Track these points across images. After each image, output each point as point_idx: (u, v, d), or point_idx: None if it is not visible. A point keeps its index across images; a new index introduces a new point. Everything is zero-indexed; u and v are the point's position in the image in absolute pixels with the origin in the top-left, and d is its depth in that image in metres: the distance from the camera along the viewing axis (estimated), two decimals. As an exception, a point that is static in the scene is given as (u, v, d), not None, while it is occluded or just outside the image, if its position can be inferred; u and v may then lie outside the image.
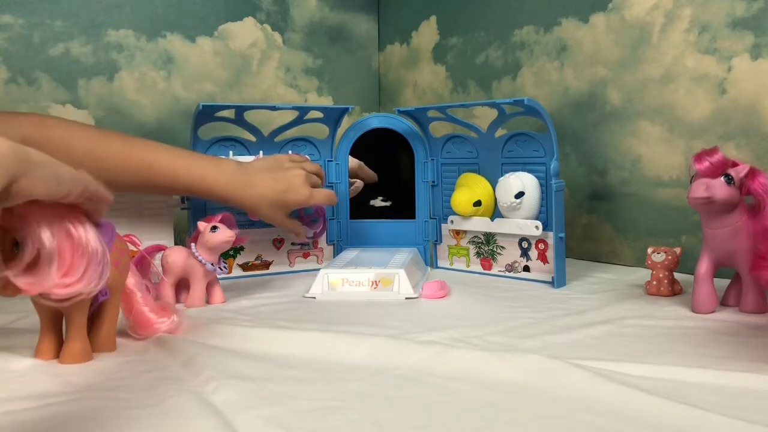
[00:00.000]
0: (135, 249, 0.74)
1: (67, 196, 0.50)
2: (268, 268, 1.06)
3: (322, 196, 0.96)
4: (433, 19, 1.41)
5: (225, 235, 0.83)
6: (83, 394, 0.53)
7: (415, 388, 0.54)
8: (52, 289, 0.50)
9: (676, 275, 0.87)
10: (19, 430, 0.47)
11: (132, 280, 0.68)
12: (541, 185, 0.96)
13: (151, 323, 0.68)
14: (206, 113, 1.00)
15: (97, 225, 0.56)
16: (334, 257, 1.09)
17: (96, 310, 0.65)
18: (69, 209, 0.52)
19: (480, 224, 1.02)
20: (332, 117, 1.09)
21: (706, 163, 0.73)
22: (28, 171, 0.44)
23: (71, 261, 0.51)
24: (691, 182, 0.74)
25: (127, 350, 0.65)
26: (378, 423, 0.47)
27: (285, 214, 0.95)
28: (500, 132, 1.02)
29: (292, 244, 1.08)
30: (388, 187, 1.15)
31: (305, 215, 1.03)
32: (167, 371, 0.58)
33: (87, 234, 0.52)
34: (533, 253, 0.97)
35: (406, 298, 0.87)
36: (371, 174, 1.15)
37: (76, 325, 0.62)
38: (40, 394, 0.53)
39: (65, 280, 0.50)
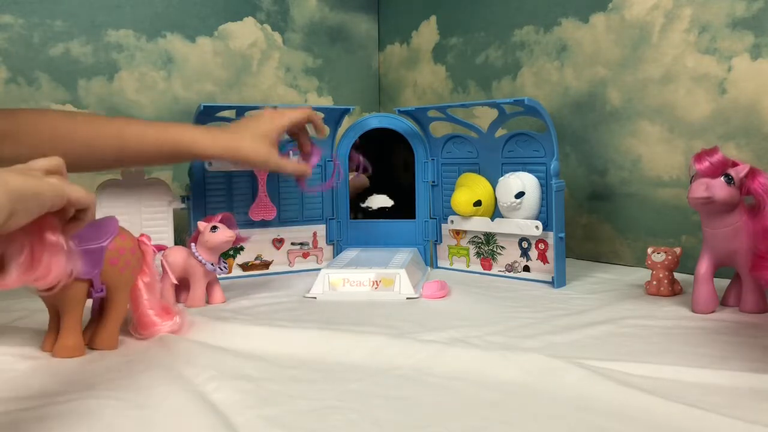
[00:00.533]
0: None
1: (50, 209, 0.51)
2: (267, 268, 1.06)
3: (296, 113, 0.92)
4: (433, 19, 1.41)
5: (225, 235, 0.83)
6: (84, 393, 0.53)
7: (415, 388, 0.54)
8: (19, 284, 0.52)
9: (676, 275, 0.87)
10: (20, 428, 0.47)
11: (146, 280, 0.69)
12: (541, 185, 0.96)
13: (153, 325, 0.68)
14: (207, 113, 1.00)
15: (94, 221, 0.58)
16: (334, 257, 1.09)
17: (101, 307, 0.66)
18: None
19: (480, 224, 1.02)
20: (333, 117, 1.09)
21: (706, 163, 0.73)
22: (18, 209, 0.47)
23: (33, 259, 0.52)
24: (691, 182, 0.74)
25: (129, 349, 0.65)
26: (378, 423, 0.47)
27: (271, 146, 0.88)
28: (500, 132, 1.02)
29: (292, 244, 1.08)
30: (388, 187, 1.15)
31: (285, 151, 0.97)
32: (168, 371, 0.58)
33: (50, 231, 0.53)
34: (533, 253, 0.97)
35: (407, 298, 0.87)
36: (362, 179, 1.15)
37: (69, 321, 0.63)
38: (42, 393, 0.53)
39: (29, 277, 0.52)
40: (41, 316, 0.76)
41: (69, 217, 0.56)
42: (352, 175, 1.13)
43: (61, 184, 0.53)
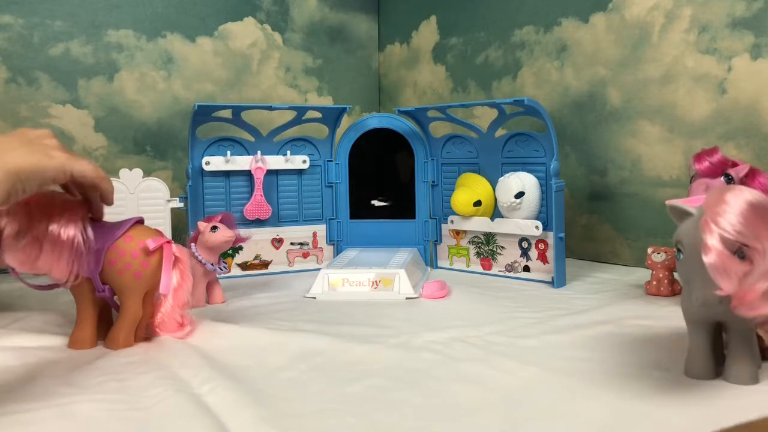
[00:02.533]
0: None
1: (53, 183, 0.57)
2: (267, 268, 1.06)
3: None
4: (433, 19, 1.41)
5: (225, 235, 0.83)
6: (78, 396, 0.52)
7: (413, 389, 0.54)
8: (20, 269, 0.60)
9: (677, 276, 0.87)
10: (19, 430, 0.47)
11: (176, 289, 0.67)
12: (541, 185, 0.96)
13: (155, 331, 0.68)
14: (202, 113, 1.00)
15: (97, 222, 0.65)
16: (334, 257, 1.09)
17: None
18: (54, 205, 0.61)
19: (480, 224, 1.02)
20: (331, 117, 1.09)
21: (706, 163, 0.73)
22: (18, 188, 0.53)
23: (33, 250, 0.59)
24: (691, 182, 0.74)
25: (124, 351, 0.65)
26: (375, 425, 0.47)
27: None
28: (500, 132, 1.02)
29: (291, 244, 1.08)
30: (388, 187, 1.15)
31: None
32: (164, 372, 0.58)
33: (64, 228, 0.60)
34: (533, 253, 0.97)
35: (407, 298, 0.87)
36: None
37: (79, 314, 0.67)
38: (36, 395, 0.53)
39: (25, 266, 0.60)
40: (39, 318, 0.77)
41: (83, 199, 0.59)
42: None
43: (64, 157, 0.56)
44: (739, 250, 0.46)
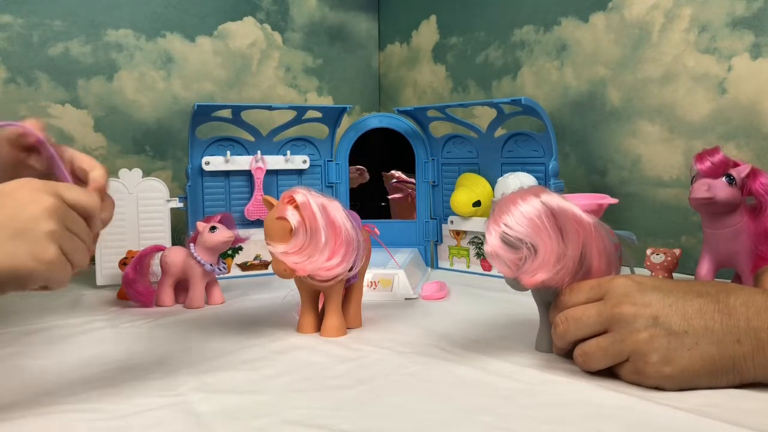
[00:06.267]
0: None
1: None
2: (267, 268, 1.05)
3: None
4: (433, 18, 1.41)
5: (224, 235, 0.83)
6: (58, 406, 0.50)
7: (410, 394, 0.53)
8: (317, 272, 0.63)
9: (676, 276, 0.87)
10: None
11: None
12: (541, 185, 0.96)
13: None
14: (202, 113, 1.00)
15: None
16: (333, 257, 1.09)
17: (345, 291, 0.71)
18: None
19: (480, 225, 1.02)
20: (331, 116, 1.09)
21: (708, 164, 0.72)
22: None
23: (334, 248, 0.62)
24: (692, 183, 0.74)
25: (113, 356, 0.63)
26: (371, 431, 0.46)
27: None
28: (500, 132, 1.02)
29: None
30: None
31: None
32: (151, 379, 0.57)
33: (346, 223, 0.64)
34: (533, 253, 0.97)
35: (405, 299, 0.87)
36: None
37: (334, 304, 0.69)
38: (16, 403, 0.51)
39: (329, 264, 0.62)
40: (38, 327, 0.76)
41: None
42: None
43: (55, 255, 0.46)
44: (510, 243, 0.54)
